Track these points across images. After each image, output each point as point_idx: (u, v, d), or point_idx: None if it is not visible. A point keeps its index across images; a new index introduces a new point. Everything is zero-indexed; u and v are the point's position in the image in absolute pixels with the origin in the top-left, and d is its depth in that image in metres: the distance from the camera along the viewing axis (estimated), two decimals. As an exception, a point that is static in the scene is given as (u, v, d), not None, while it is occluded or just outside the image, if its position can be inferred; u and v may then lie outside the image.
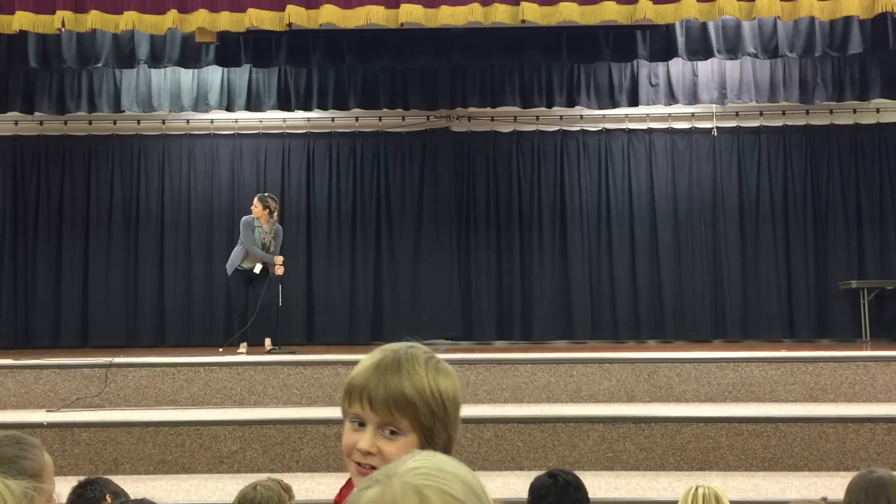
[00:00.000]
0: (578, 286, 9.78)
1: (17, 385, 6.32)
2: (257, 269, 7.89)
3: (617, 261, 9.81)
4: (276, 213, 8.04)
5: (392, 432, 1.39)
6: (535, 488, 3.04)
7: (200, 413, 5.90)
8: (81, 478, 3.27)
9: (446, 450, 1.45)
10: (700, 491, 2.92)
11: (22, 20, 6.73)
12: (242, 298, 7.97)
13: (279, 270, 7.91)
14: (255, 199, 8.01)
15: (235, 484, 5.16)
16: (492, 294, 9.87)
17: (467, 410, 5.62)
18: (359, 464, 1.40)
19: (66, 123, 9.86)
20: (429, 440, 1.40)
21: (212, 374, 6.37)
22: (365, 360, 1.45)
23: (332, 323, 9.79)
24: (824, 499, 3.45)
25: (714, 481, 4.54)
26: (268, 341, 7.91)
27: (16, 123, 9.79)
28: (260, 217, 7.91)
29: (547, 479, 3.02)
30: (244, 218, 7.98)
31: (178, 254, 9.99)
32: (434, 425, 1.40)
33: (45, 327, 9.70)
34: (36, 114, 9.08)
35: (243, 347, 7.73)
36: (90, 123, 9.91)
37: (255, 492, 3.10)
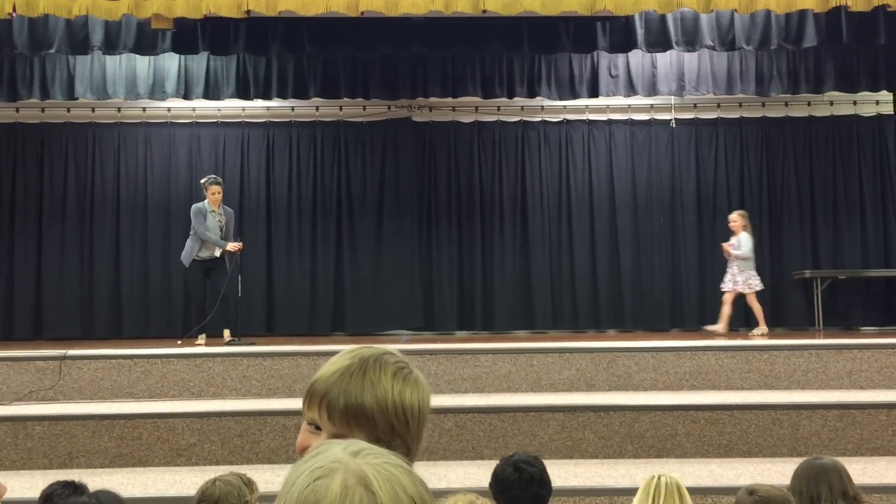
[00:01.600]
0: (539, 276, 9.83)
1: (-33, 378, 6.17)
2: (217, 252, 7.79)
3: (577, 251, 9.88)
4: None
5: (341, 436, 1.33)
6: (499, 479, 3.04)
7: (157, 405, 5.83)
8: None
9: (410, 458, 1.39)
10: (662, 480, 2.94)
11: (-30, 4, 6.55)
12: (201, 289, 7.86)
13: (232, 246, 7.79)
14: (213, 184, 7.87)
15: (193, 477, 5.11)
16: (453, 285, 9.88)
17: (428, 400, 5.59)
18: None
19: (17, 111, 9.63)
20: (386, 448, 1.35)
21: (169, 365, 6.29)
22: (332, 360, 1.39)
23: (293, 314, 9.73)
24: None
25: (672, 469, 4.61)
26: (226, 332, 7.83)
27: (-35, 110, 9.55)
28: (215, 202, 7.81)
29: (512, 472, 3.02)
30: (194, 206, 7.85)
31: (135, 244, 9.83)
32: (392, 441, 1.33)
33: (-4, 319, 9.48)
34: (-14, 101, 8.85)
35: (202, 339, 7.64)
36: (43, 111, 9.68)
37: (215, 486, 3.07)
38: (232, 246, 7.80)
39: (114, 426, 5.45)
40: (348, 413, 1.32)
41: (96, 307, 9.66)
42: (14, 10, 6.66)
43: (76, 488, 3.00)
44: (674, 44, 7.62)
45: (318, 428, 1.35)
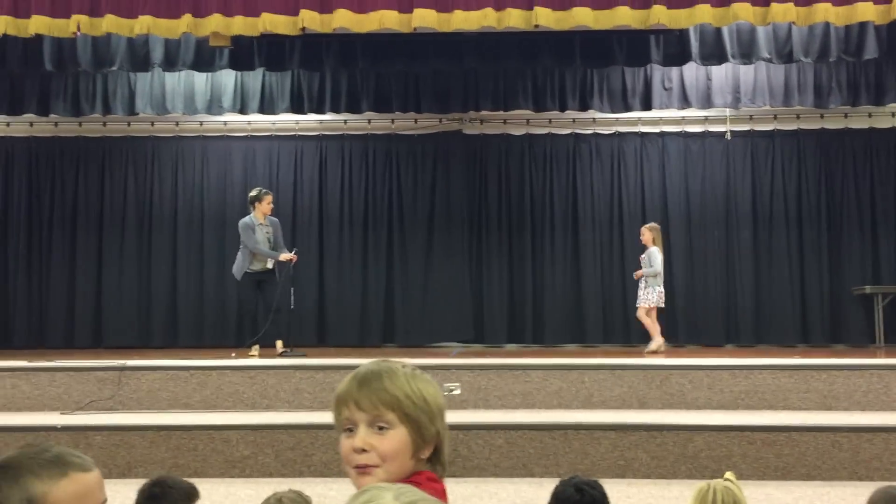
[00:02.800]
0: (590, 290, 9.76)
1: (32, 387, 6.36)
2: (269, 264, 7.90)
3: (629, 265, 9.76)
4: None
5: (381, 427, 1.46)
6: (559, 498, 3.01)
7: (213, 417, 5.93)
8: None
9: (438, 449, 1.55)
10: (718, 492, 2.83)
11: (38, 24, 6.77)
12: (252, 302, 7.99)
13: (285, 257, 7.89)
14: (268, 194, 7.99)
15: (248, 489, 5.19)
16: (503, 297, 9.86)
17: (479, 416, 5.64)
18: (357, 467, 1.47)
19: (80, 125, 9.93)
20: (418, 433, 1.49)
21: (224, 377, 6.39)
22: (349, 375, 1.54)
23: (344, 325, 9.82)
24: None
25: (730, 476, 4.49)
26: (279, 344, 7.94)
27: (31, 125, 9.87)
28: (265, 213, 7.92)
29: (573, 493, 2.99)
30: (241, 221, 7.96)
31: (191, 255, 10.04)
32: (420, 417, 1.48)
33: (58, 328, 9.77)
34: (51, 115, 9.12)
35: (255, 351, 7.76)
36: (104, 125, 9.97)
37: (280, 503, 3.10)
38: (285, 256, 7.91)
39: (171, 437, 5.56)
40: (373, 397, 1.47)
41: (153, 317, 9.88)
42: (78, 29, 6.87)
43: (162, 484, 3.12)
44: (729, 56, 7.52)
45: (352, 430, 1.48)
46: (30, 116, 9.27)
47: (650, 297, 8.23)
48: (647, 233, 8.34)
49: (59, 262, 9.90)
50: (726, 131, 9.68)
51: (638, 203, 9.88)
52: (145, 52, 7.63)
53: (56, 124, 9.88)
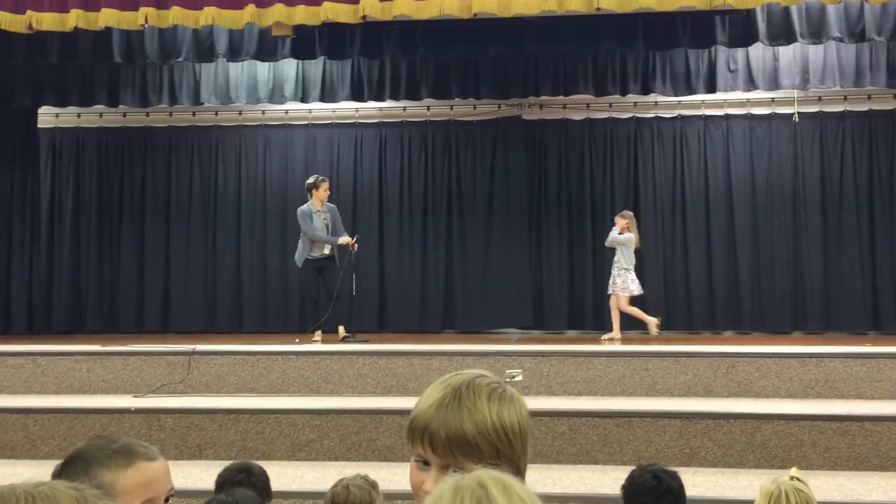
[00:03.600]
0: (652, 275, 9.62)
1: (106, 371, 6.58)
2: (327, 250, 8.00)
3: (692, 250, 9.63)
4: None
5: (455, 470, 1.32)
6: (635, 483, 3.00)
7: (280, 401, 6.05)
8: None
9: (520, 477, 1.40)
10: (790, 493, 2.76)
11: (107, 17, 6.93)
12: (314, 287, 8.12)
13: (343, 240, 8.04)
14: (321, 183, 8.14)
15: (314, 472, 5.30)
16: (563, 283, 9.80)
17: (541, 403, 5.63)
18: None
19: (147, 115, 10.17)
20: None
21: (289, 362, 6.52)
22: (427, 394, 1.41)
23: (404, 311, 9.88)
24: None
25: (795, 473, 4.41)
26: (341, 329, 8.04)
27: (101, 116, 10.14)
28: (322, 200, 8.04)
29: (650, 479, 2.98)
30: (300, 210, 8.12)
31: (254, 242, 10.21)
32: (499, 463, 1.34)
33: (129, 313, 10.04)
34: (119, 106, 9.36)
35: (318, 336, 7.87)
36: (171, 115, 10.19)
37: (348, 492, 3.16)
38: (344, 240, 8.01)
39: (239, 420, 5.70)
40: (451, 443, 1.33)
41: (219, 302, 10.09)
42: (146, 21, 7.01)
43: (248, 472, 3.22)
44: (798, 36, 7.29)
45: (426, 463, 1.37)
46: (99, 107, 9.51)
47: (631, 286, 8.24)
48: (621, 220, 8.36)
49: (129, 249, 10.18)
50: (794, 113, 9.42)
51: (701, 188, 9.69)
52: (210, 43, 7.75)
53: (124, 115, 10.13)
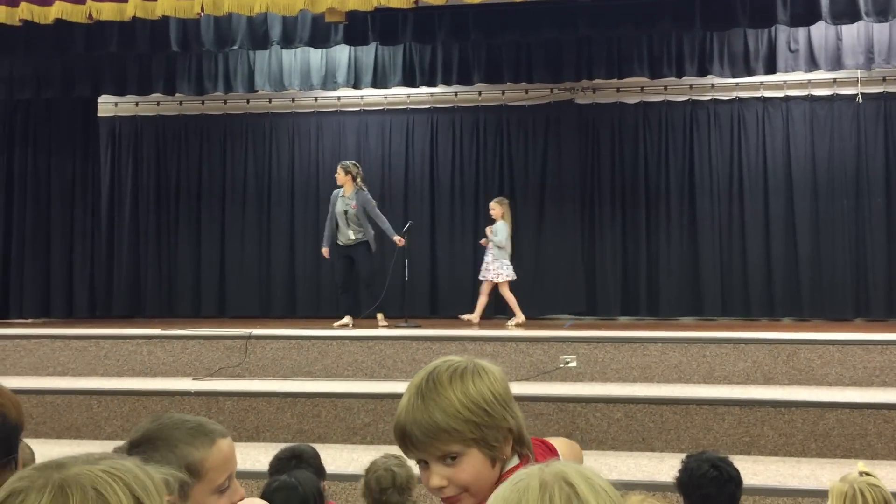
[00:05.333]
0: (708, 261, 9.47)
1: (166, 354, 6.72)
2: (353, 235, 8.06)
3: (749, 235, 9.43)
4: (359, 180, 8.16)
5: (451, 458, 1.41)
6: (694, 475, 2.95)
7: (335, 385, 6.11)
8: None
9: (519, 439, 1.48)
10: (866, 491, 2.63)
11: (164, 6, 7.03)
12: (340, 272, 8.24)
13: (399, 242, 8.14)
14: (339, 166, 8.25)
15: (369, 455, 5.30)
16: (616, 269, 9.69)
17: (596, 389, 5.58)
18: (444, 499, 1.44)
19: (203, 103, 10.32)
20: (489, 447, 1.43)
21: (344, 346, 6.58)
22: (402, 400, 1.48)
23: (456, 296, 9.87)
24: None
25: (863, 468, 4.31)
26: (380, 316, 8.04)
27: (158, 104, 10.33)
28: (343, 184, 8.10)
29: (710, 469, 2.93)
30: (367, 195, 8.25)
31: (307, 228, 10.30)
32: (485, 432, 1.41)
33: (186, 298, 10.24)
34: (176, 94, 9.50)
35: (347, 319, 7.88)
36: (225, 103, 10.33)
37: (392, 473, 3.17)
38: (399, 242, 8.18)
39: (295, 404, 5.77)
40: (429, 437, 1.40)
41: (273, 287, 10.22)
42: (202, 10, 7.10)
43: (299, 458, 3.28)
44: (863, 14, 7.04)
45: (426, 463, 1.43)
46: (157, 96, 9.67)
47: (505, 271, 8.22)
48: (498, 207, 8.30)
49: (186, 235, 10.37)
50: (857, 94, 9.14)
51: (760, 171, 9.47)
52: (264, 31, 7.81)
53: (181, 103, 10.30)
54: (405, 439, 1.44)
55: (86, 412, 5.95)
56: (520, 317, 8.25)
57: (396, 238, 8.19)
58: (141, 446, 1.70)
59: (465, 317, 8.48)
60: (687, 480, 2.96)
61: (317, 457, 3.63)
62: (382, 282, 8.22)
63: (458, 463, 1.41)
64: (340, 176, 8.21)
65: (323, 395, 5.79)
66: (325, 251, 8.32)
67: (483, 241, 8.40)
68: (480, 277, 8.48)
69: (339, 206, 8.14)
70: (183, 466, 1.65)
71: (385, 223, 8.25)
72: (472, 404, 1.41)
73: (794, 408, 5.18)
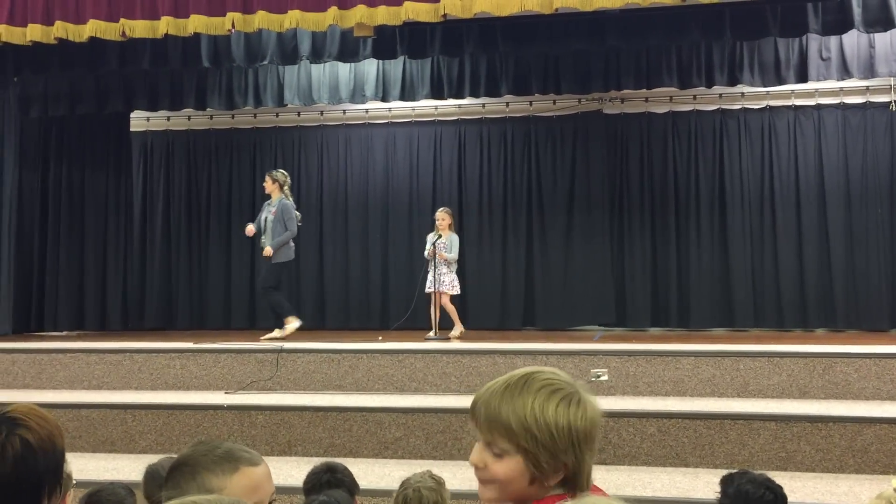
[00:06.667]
0: (739, 272, 9.38)
1: (199, 368, 6.78)
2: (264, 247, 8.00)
3: (781, 245, 9.33)
4: (286, 188, 8.06)
5: (497, 453, 1.47)
6: (750, 497, 2.90)
7: (366, 399, 6.12)
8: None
9: (572, 480, 1.48)
10: None
11: (196, 23, 7.12)
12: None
13: (266, 252, 7.94)
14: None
15: (401, 470, 5.32)
16: (646, 280, 9.63)
17: (628, 403, 5.55)
18: (478, 477, 1.52)
19: (233, 117, 10.42)
20: (535, 465, 1.45)
21: (374, 360, 6.59)
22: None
23: (485, 308, 9.86)
24: None
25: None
26: (288, 321, 7.91)
27: (189, 118, 10.45)
28: (271, 193, 8.06)
29: (766, 492, 2.88)
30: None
31: (336, 240, 10.35)
32: (538, 451, 1.43)
33: (217, 310, 10.33)
34: (206, 109, 9.61)
35: (277, 332, 7.83)
36: (255, 117, 10.43)
37: (420, 495, 3.16)
38: (248, 230, 8.07)
39: (327, 418, 5.79)
40: (489, 422, 1.47)
41: (303, 300, 10.26)
42: (233, 26, 7.18)
43: (332, 471, 3.29)
44: (896, 22, 6.97)
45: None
46: (187, 111, 9.79)
47: (454, 283, 8.12)
48: (448, 217, 8.18)
49: (217, 248, 10.46)
50: (891, 101, 9.01)
51: (791, 181, 9.37)
52: (293, 46, 7.88)
53: (211, 117, 10.42)
54: (473, 411, 1.52)
55: (120, 426, 6.01)
56: (460, 327, 8.13)
57: (268, 249, 7.87)
58: (174, 472, 1.71)
59: (452, 335, 8.08)
60: (738, 502, 2.91)
61: (349, 472, 3.64)
62: (277, 296, 8.11)
63: (500, 460, 1.46)
64: (268, 184, 8.09)
65: (354, 410, 5.80)
66: (249, 228, 8.07)
67: (441, 255, 8.03)
68: (430, 290, 8.07)
69: (264, 213, 8.10)
70: (203, 493, 1.65)
71: (288, 234, 7.94)
72: (542, 420, 1.44)
73: (831, 423, 5.10)
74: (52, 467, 1.75)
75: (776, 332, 9.04)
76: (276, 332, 7.83)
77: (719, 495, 3.02)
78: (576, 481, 1.49)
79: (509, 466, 1.45)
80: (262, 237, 8.06)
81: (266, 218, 8.05)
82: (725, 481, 3.02)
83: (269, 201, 8.15)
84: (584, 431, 1.47)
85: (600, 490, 1.63)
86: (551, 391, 1.47)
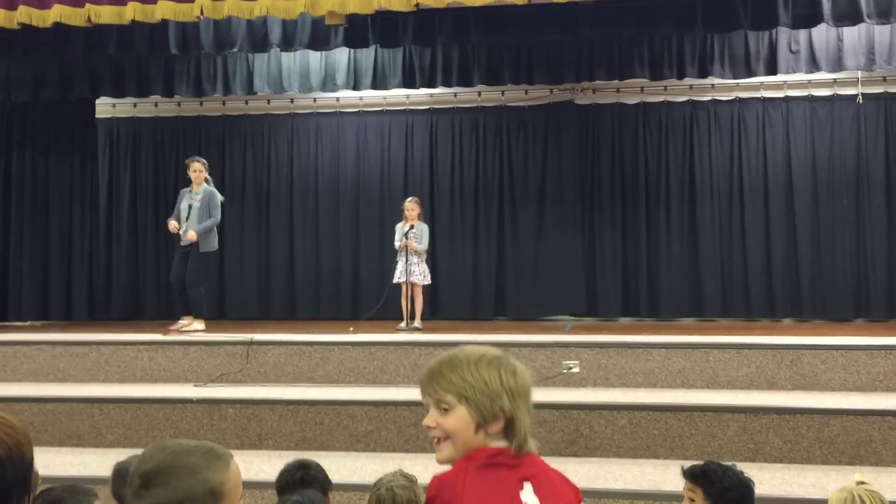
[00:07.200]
0: (708, 262, 9.47)
1: (167, 360, 6.70)
2: (184, 236, 7.81)
3: (750, 236, 9.42)
4: (204, 174, 7.96)
5: (444, 409, 1.77)
6: (739, 477, 2.95)
7: (338, 392, 6.09)
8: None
9: (510, 424, 1.77)
10: (863, 496, 2.74)
11: (164, 9, 6.97)
12: (174, 273, 8.01)
13: (172, 226, 7.84)
14: (190, 163, 8.02)
15: (373, 464, 5.31)
16: (617, 270, 9.68)
17: (599, 395, 5.57)
18: (432, 439, 1.81)
19: (201, 104, 10.27)
20: (478, 411, 1.75)
21: (345, 352, 6.56)
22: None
23: (456, 298, 9.86)
24: None
25: (868, 479, 4.32)
26: (189, 319, 7.81)
27: (156, 105, 10.28)
28: (193, 183, 7.93)
29: (748, 479, 2.96)
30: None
31: (307, 228, 10.28)
32: (478, 399, 1.74)
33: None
34: (175, 96, 9.45)
35: (186, 320, 7.77)
36: (224, 104, 10.29)
37: (393, 493, 3.15)
38: (173, 225, 7.87)
39: (298, 411, 5.75)
40: (431, 380, 1.81)
41: (273, 289, 10.19)
42: (202, 13, 7.05)
43: (305, 468, 3.27)
44: (865, 16, 7.02)
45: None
46: (154, 97, 9.62)
47: (426, 273, 8.18)
48: (418, 207, 8.20)
49: (185, 237, 10.30)
50: (858, 94, 9.13)
51: (760, 172, 9.46)
52: (264, 34, 7.76)
53: (179, 104, 10.25)
54: (421, 384, 1.83)
55: (87, 420, 5.92)
56: (419, 323, 8.03)
57: (192, 233, 7.74)
58: (159, 476, 1.68)
59: (415, 324, 7.98)
60: (726, 481, 2.92)
61: (321, 469, 3.61)
62: (203, 287, 8.01)
63: (449, 413, 1.76)
64: (203, 172, 7.93)
65: (326, 403, 5.76)
66: (173, 224, 7.88)
67: (405, 243, 8.00)
68: (401, 280, 8.05)
69: (184, 202, 7.93)
70: (207, 491, 1.66)
71: (212, 222, 7.88)
72: (477, 373, 1.76)
73: (798, 414, 5.17)
74: (20, 477, 1.71)
75: (744, 321, 9.15)
76: (197, 324, 7.74)
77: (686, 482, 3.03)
78: (514, 432, 1.76)
79: (456, 418, 1.75)
80: (185, 225, 7.85)
81: (190, 206, 7.88)
82: (710, 464, 3.04)
83: (188, 189, 7.97)
84: (512, 384, 1.77)
85: (541, 460, 1.85)
86: (481, 354, 1.81)
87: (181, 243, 7.90)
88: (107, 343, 6.84)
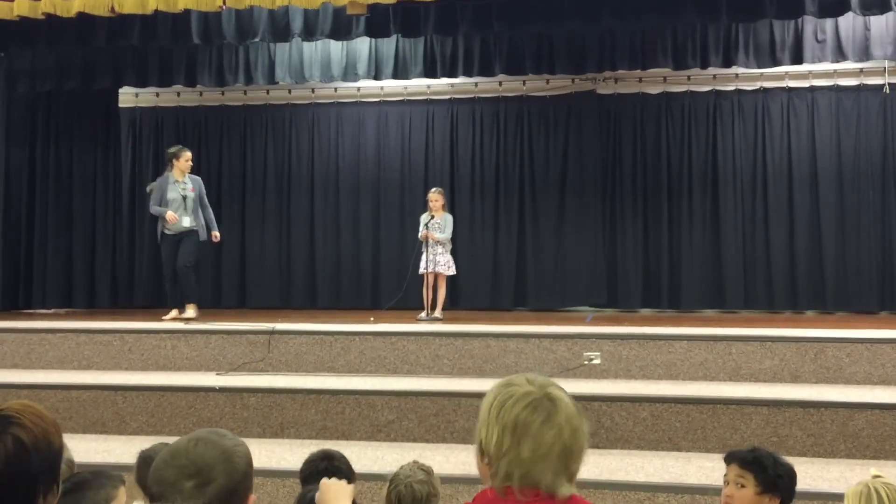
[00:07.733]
0: (731, 253, 9.39)
1: (189, 348, 6.74)
2: (186, 223, 7.87)
3: (773, 227, 9.33)
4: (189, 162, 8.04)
5: None
6: (788, 466, 2.94)
7: (359, 382, 6.11)
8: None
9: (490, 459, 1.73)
10: (882, 493, 2.71)
11: (186, 0, 7.01)
12: (169, 263, 8.06)
13: (170, 216, 7.84)
14: (182, 153, 8.05)
15: (393, 453, 5.33)
16: (638, 261, 9.63)
17: (621, 387, 5.55)
18: None
19: (223, 94, 10.31)
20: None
21: (366, 342, 6.57)
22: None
23: (476, 288, 9.85)
24: None
25: (892, 473, 4.27)
26: (189, 308, 7.91)
27: (178, 95, 10.33)
28: (180, 172, 7.96)
29: (786, 465, 2.94)
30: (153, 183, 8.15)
31: (327, 218, 10.30)
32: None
33: (207, 289, 10.22)
34: (197, 86, 9.48)
35: (175, 312, 7.85)
36: (245, 94, 10.31)
37: (412, 490, 3.14)
38: (170, 216, 7.84)
39: (319, 400, 5.77)
40: None
41: (294, 278, 10.24)
42: (224, 3, 7.07)
43: (329, 458, 3.29)
44: (893, 4, 6.92)
45: None
46: (177, 87, 9.67)
47: (450, 264, 8.18)
48: (441, 197, 8.22)
49: (206, 226, 10.36)
50: (885, 84, 8.99)
51: (784, 162, 9.36)
52: (285, 23, 7.77)
53: (201, 94, 10.29)
54: None
55: (111, 407, 5.98)
56: (440, 314, 8.05)
57: (215, 233, 8.02)
58: (222, 465, 1.78)
59: (435, 314, 8.01)
60: (779, 468, 2.91)
61: (345, 459, 3.63)
62: (194, 277, 8.10)
63: None
64: (186, 161, 7.99)
65: (347, 392, 5.78)
66: (171, 215, 7.88)
67: (426, 234, 8.04)
68: (427, 270, 8.08)
69: (174, 192, 7.92)
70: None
71: (211, 212, 8.16)
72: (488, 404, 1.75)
73: (822, 408, 5.13)
74: (47, 466, 1.72)
75: (766, 313, 9.08)
76: (191, 312, 7.84)
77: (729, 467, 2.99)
78: (494, 468, 1.74)
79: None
80: (182, 216, 7.90)
81: (186, 196, 7.94)
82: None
83: (174, 179, 7.98)
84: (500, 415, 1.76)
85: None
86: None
87: (167, 231, 7.93)
88: (130, 331, 6.91)
